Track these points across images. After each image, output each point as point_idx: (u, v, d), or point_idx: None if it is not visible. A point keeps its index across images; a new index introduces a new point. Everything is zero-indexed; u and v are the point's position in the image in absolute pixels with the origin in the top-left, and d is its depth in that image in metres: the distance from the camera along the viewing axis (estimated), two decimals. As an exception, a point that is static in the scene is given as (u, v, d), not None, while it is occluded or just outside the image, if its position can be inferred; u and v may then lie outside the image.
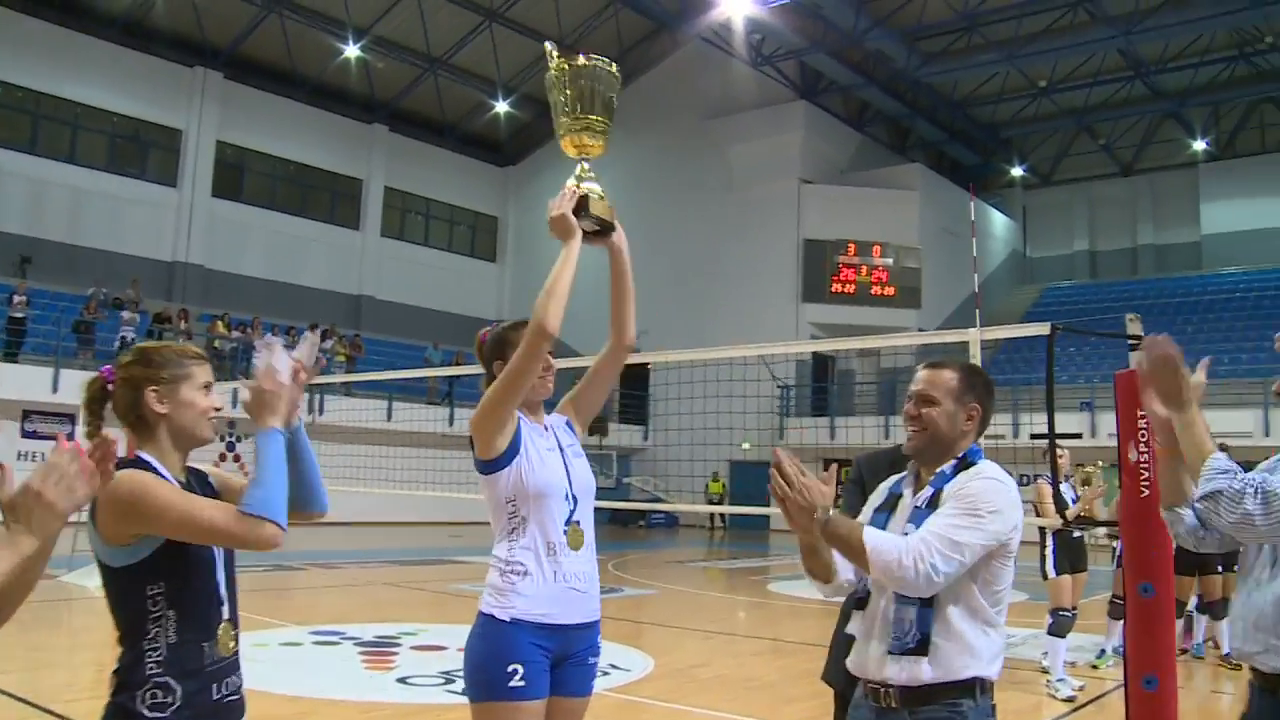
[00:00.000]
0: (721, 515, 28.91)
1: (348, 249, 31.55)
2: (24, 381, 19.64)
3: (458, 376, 22.10)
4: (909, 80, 30.60)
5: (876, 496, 2.89)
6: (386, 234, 32.55)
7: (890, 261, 30.47)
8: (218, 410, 2.50)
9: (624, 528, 28.08)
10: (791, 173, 30.84)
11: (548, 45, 3.28)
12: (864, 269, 30.36)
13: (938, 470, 2.72)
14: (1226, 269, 32.80)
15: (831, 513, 2.49)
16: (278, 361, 2.44)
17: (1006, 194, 37.40)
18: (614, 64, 3.11)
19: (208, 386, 2.49)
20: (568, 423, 3.29)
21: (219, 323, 24.57)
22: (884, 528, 2.69)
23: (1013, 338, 25.94)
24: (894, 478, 2.91)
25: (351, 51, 29.13)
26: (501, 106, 32.92)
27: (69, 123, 26.18)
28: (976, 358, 5.91)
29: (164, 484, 2.27)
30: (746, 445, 25.44)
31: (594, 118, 3.10)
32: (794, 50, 29.03)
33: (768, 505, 22.61)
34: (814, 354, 30.05)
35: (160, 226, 27.28)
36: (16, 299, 20.95)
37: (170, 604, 2.28)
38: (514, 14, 30.21)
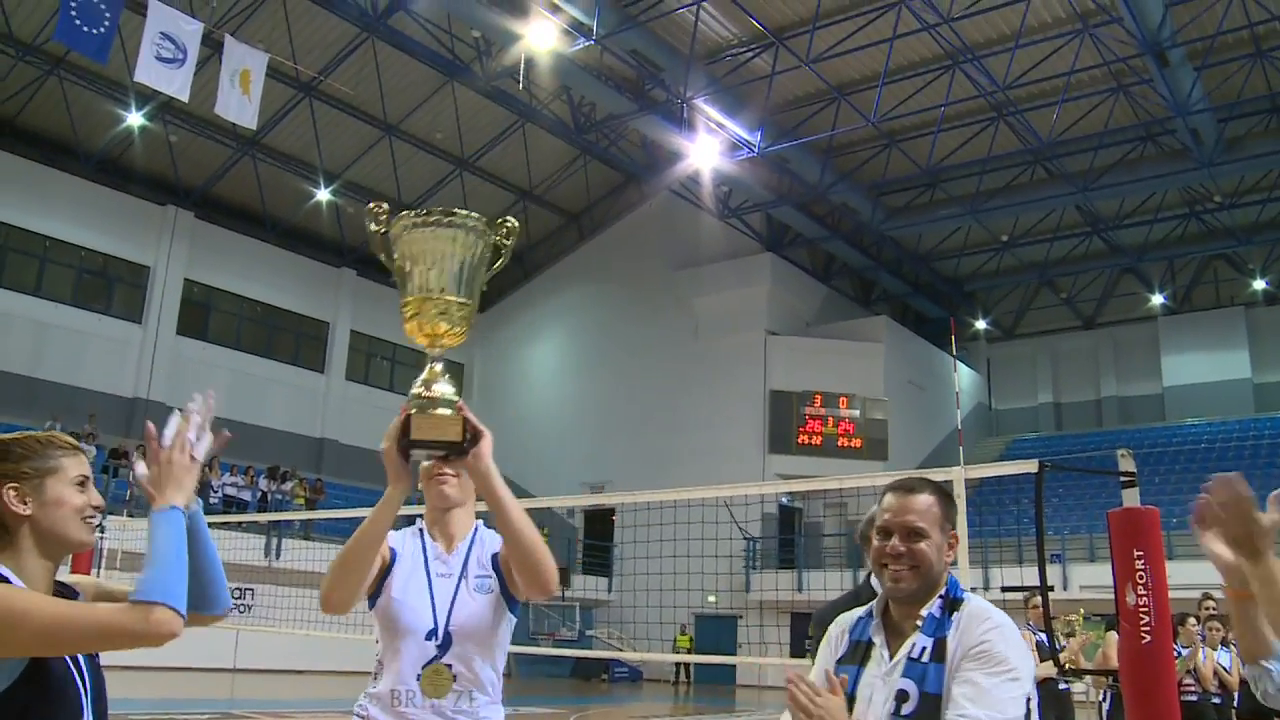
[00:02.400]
0: (687, 670, 28.16)
1: (312, 391, 31.33)
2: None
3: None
4: (874, 234, 31.15)
5: (833, 646, 2.57)
6: (351, 377, 32.39)
7: (857, 413, 30.50)
8: (96, 509, 2.09)
9: (586, 681, 27.31)
10: (758, 324, 31.07)
11: (372, 206, 2.50)
12: (830, 420, 30.35)
13: (922, 613, 2.42)
14: (1189, 420, 33.05)
15: None
16: (191, 430, 2.10)
17: (971, 347, 37.79)
18: (482, 218, 2.43)
19: (83, 482, 2.08)
20: (495, 556, 2.79)
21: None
22: (856, 683, 2.41)
23: (984, 484, 26.10)
24: (845, 621, 2.61)
25: (323, 195, 29.43)
26: (468, 254, 33.16)
27: (36, 255, 26.14)
28: (961, 496, 5.75)
29: (21, 590, 1.89)
30: (713, 598, 24.97)
31: (450, 297, 2.42)
32: (761, 203, 29.55)
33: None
34: (780, 506, 29.82)
35: (123, 362, 27.04)
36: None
37: None
38: (484, 163, 30.74)
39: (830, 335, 31.84)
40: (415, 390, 2.45)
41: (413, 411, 2.42)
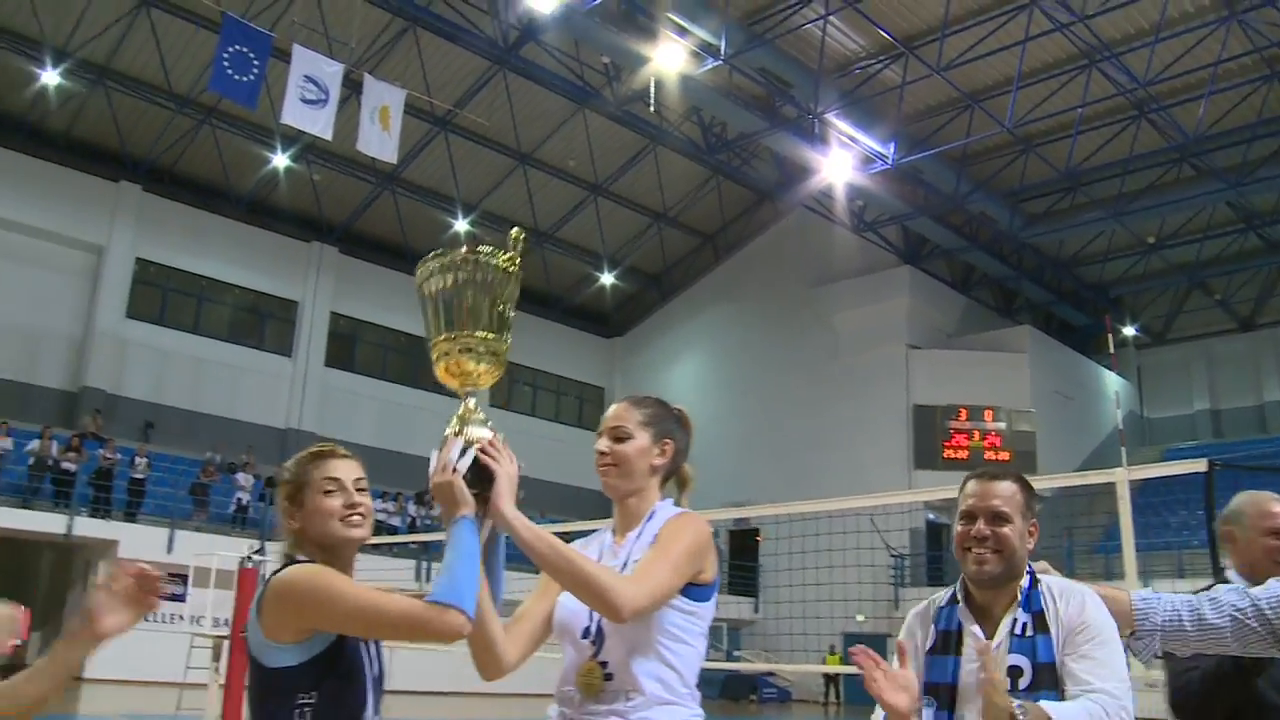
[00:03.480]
0: (836, 690, 27.79)
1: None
2: (141, 541, 19.95)
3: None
4: (1013, 242, 30.47)
5: (917, 639, 2.65)
6: (495, 404, 32.94)
7: (1003, 425, 29.82)
8: (353, 509, 2.44)
9: (735, 702, 27.15)
10: (898, 338, 30.64)
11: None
12: (976, 434, 29.73)
13: (1017, 592, 2.52)
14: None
15: (1021, 705, 2.27)
16: (449, 453, 2.31)
17: (1120, 354, 36.58)
18: (505, 255, 2.45)
19: (333, 487, 2.46)
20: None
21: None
22: (955, 672, 2.49)
23: (1142, 492, 25.17)
24: (923, 612, 2.69)
25: (461, 226, 30.08)
26: (607, 279, 33.55)
27: (194, 295, 27.38)
28: (1125, 500, 5.59)
29: (341, 575, 2.25)
30: (861, 617, 24.64)
31: (478, 334, 2.42)
32: (896, 215, 29.19)
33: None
34: (927, 522, 29.27)
35: (275, 395, 28.03)
36: (138, 461, 21.56)
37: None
38: (617, 188, 31.02)
39: (972, 347, 31.21)
40: (448, 432, 2.39)
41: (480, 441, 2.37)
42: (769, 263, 33.18)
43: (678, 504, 2.72)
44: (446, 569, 2.16)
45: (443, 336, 2.43)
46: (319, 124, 19.14)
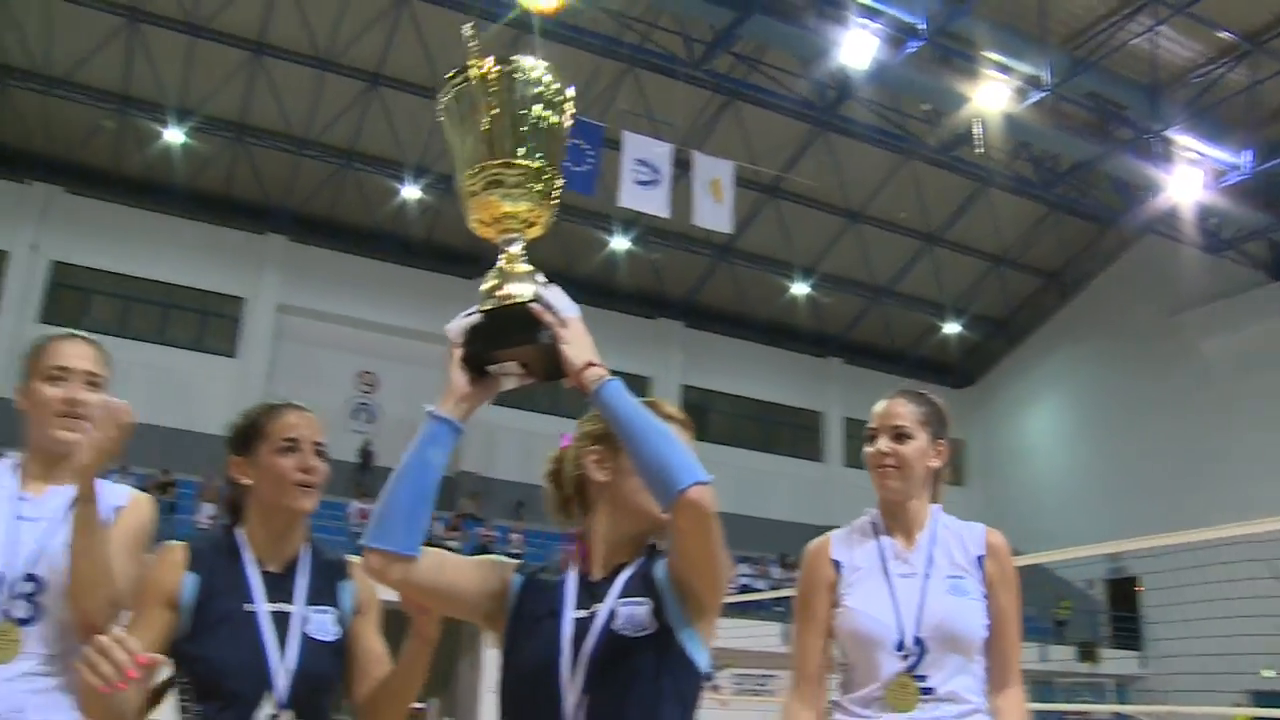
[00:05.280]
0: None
1: (812, 480, 32.09)
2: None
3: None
4: (1402, 246, 27.59)
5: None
6: (849, 464, 32.88)
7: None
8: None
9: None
10: (1277, 359, 28.25)
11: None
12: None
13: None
14: None
15: None
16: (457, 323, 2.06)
17: None
18: (545, 70, 2.05)
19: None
20: (980, 559, 2.72)
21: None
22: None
23: None
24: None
25: (800, 289, 30.49)
26: (951, 328, 32.95)
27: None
28: None
29: None
30: (1271, 672, 22.59)
31: (516, 163, 1.97)
32: (1259, 229, 27.11)
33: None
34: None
35: (635, 469, 29.16)
36: (513, 537, 23.10)
37: None
38: (952, 235, 30.54)
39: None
40: (486, 285, 2.06)
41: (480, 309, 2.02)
42: (1120, 295, 31.53)
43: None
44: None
45: (472, 172, 2.00)
46: (655, 203, 20.13)
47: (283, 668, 2.28)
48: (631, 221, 26.64)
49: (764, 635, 19.78)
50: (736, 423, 31.90)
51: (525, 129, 1.98)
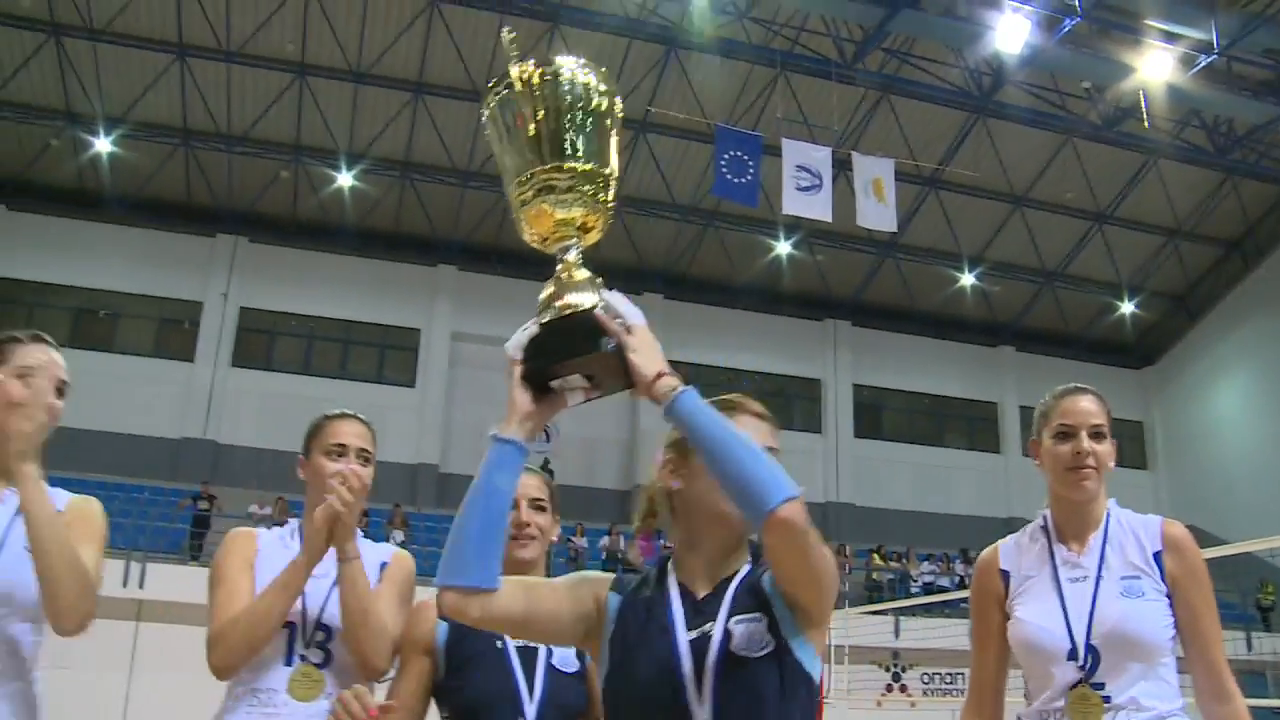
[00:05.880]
0: None
1: (991, 472, 31.48)
2: (709, 621, 21.36)
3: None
4: None
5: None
6: (1028, 453, 32.04)
7: None
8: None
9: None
10: None
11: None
12: None
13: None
14: None
15: None
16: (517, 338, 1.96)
17: None
18: (597, 70, 1.99)
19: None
20: (1158, 554, 2.55)
21: (875, 555, 25.44)
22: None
23: None
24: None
25: (967, 280, 29.98)
26: (1127, 308, 31.91)
27: (722, 385, 29.24)
28: None
29: None
30: None
31: (565, 166, 1.89)
32: None
33: None
34: None
35: (811, 471, 29.09)
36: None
37: None
38: (1123, 212, 29.58)
39: None
40: (543, 295, 1.95)
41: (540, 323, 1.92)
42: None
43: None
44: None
45: (519, 181, 1.92)
46: (818, 208, 20.11)
47: (532, 699, 2.48)
48: (794, 226, 26.58)
49: (951, 633, 19.56)
50: (911, 419, 31.53)
51: (571, 131, 1.89)
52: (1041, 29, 20.67)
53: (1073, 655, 2.37)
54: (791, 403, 30.01)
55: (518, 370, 1.91)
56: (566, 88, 1.90)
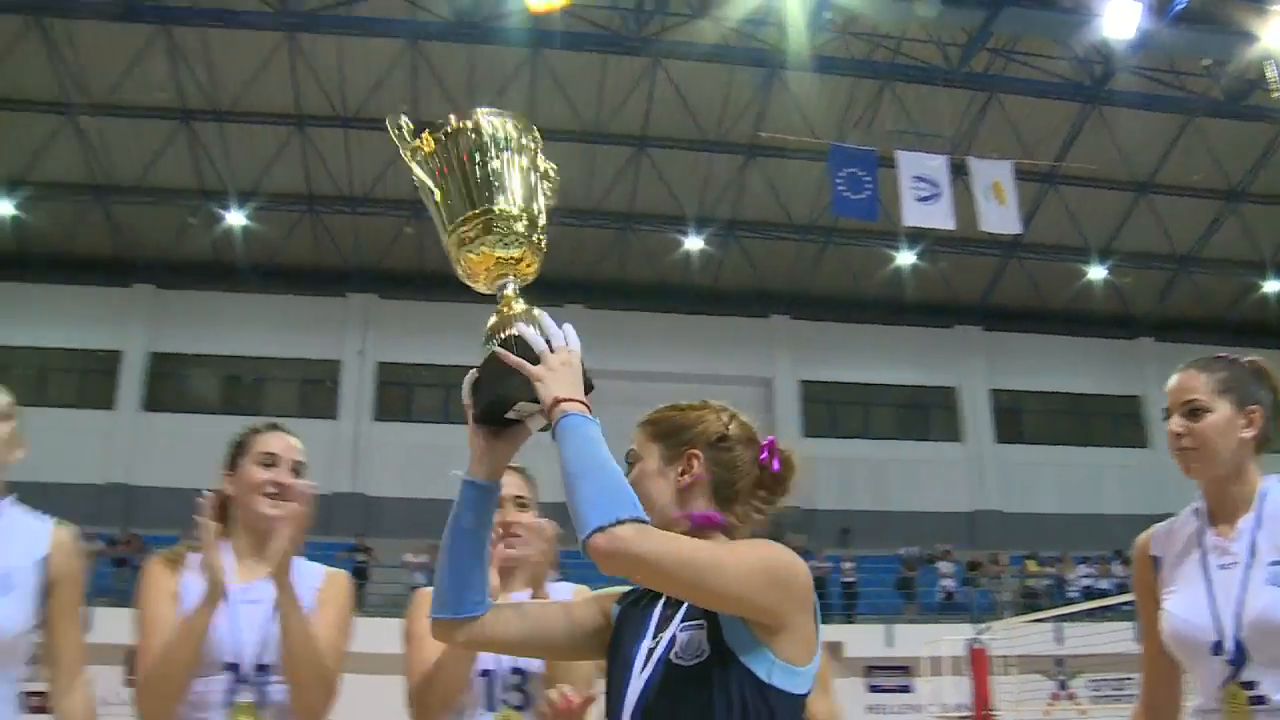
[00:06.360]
0: None
1: (1139, 468, 30.55)
2: (861, 640, 21.25)
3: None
4: None
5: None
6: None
7: None
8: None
9: None
10: None
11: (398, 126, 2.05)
12: None
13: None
14: None
15: None
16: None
17: None
18: (507, 117, 2.02)
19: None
20: None
21: (1028, 562, 24.95)
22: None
23: None
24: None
25: (1097, 273, 29.29)
26: (1271, 285, 30.77)
27: (860, 402, 29.18)
28: None
29: None
30: None
31: (496, 210, 1.95)
32: None
33: None
34: None
35: (953, 481, 28.69)
36: (845, 565, 23.13)
37: None
38: (1259, 187, 28.54)
39: None
40: (487, 329, 2.00)
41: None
42: None
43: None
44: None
45: (453, 226, 1.98)
46: (938, 217, 19.96)
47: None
48: (916, 235, 26.24)
49: (1117, 638, 19.06)
50: (1051, 420, 30.85)
51: (497, 177, 1.96)
52: (1152, 11, 20.20)
53: (1217, 650, 2.14)
54: (928, 413, 29.71)
55: (469, 413, 1.96)
56: (488, 139, 1.97)
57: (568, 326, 1.95)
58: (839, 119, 24.31)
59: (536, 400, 1.85)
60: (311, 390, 27.45)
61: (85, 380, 27.27)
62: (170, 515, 23.77)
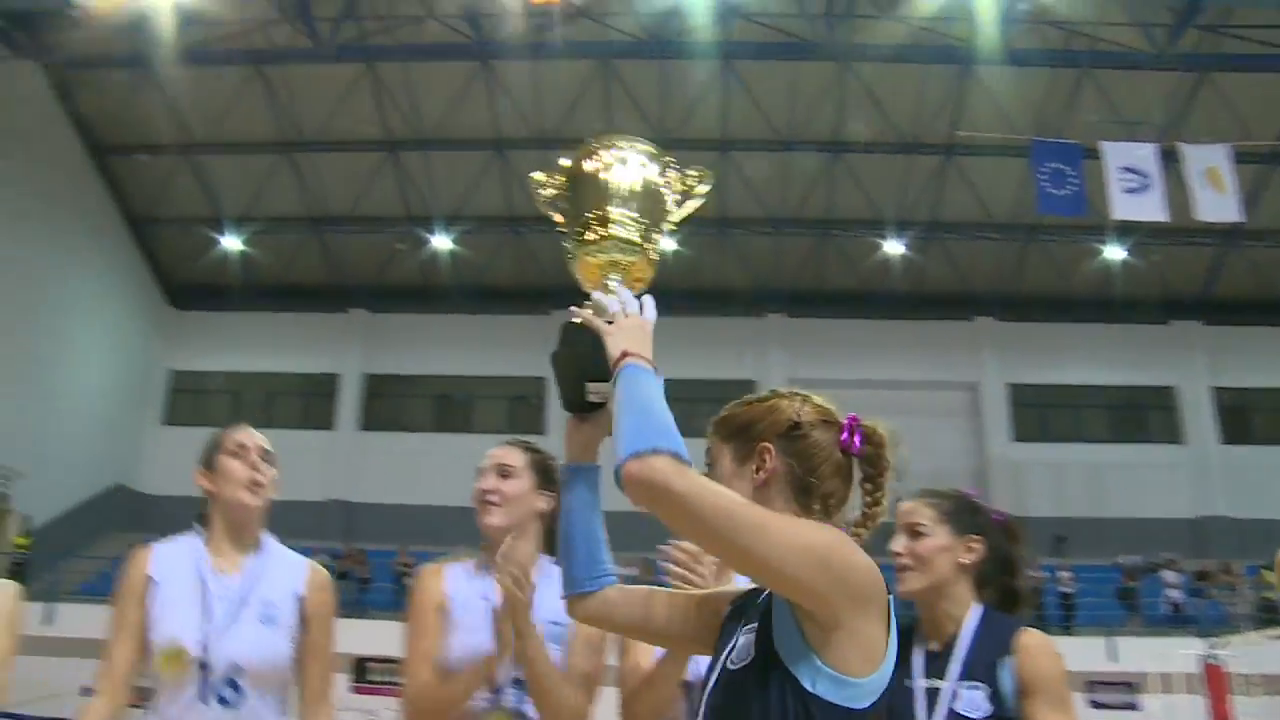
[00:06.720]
0: None
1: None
2: (1081, 652, 20.32)
3: None
4: None
5: None
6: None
7: None
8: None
9: None
10: None
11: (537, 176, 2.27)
12: None
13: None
14: None
15: None
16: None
17: None
18: (639, 144, 2.12)
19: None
20: None
21: (1265, 571, 23.45)
22: None
23: None
24: None
25: None
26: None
27: (1068, 405, 28.05)
28: None
29: None
30: None
31: (614, 214, 2.06)
32: None
33: None
34: None
35: (1175, 485, 27.21)
36: (1061, 574, 22.21)
37: None
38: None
39: None
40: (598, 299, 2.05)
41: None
42: None
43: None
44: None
45: (578, 238, 2.11)
46: (1150, 209, 18.94)
47: None
48: (1126, 228, 24.94)
49: None
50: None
51: (626, 195, 2.06)
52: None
53: None
54: (1144, 414, 28.34)
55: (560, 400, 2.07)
56: (618, 167, 2.09)
57: (647, 298, 2.01)
58: (1038, 113, 23.45)
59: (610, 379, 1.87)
60: (518, 408, 28.15)
61: (309, 403, 28.79)
62: (386, 529, 25.14)
